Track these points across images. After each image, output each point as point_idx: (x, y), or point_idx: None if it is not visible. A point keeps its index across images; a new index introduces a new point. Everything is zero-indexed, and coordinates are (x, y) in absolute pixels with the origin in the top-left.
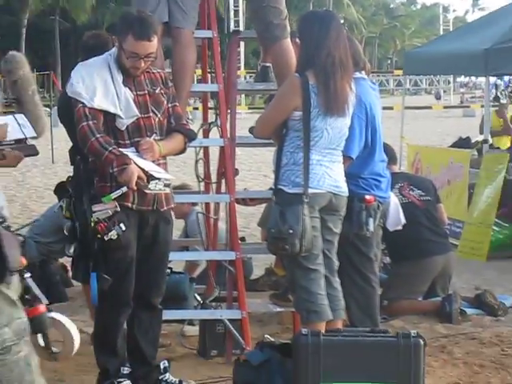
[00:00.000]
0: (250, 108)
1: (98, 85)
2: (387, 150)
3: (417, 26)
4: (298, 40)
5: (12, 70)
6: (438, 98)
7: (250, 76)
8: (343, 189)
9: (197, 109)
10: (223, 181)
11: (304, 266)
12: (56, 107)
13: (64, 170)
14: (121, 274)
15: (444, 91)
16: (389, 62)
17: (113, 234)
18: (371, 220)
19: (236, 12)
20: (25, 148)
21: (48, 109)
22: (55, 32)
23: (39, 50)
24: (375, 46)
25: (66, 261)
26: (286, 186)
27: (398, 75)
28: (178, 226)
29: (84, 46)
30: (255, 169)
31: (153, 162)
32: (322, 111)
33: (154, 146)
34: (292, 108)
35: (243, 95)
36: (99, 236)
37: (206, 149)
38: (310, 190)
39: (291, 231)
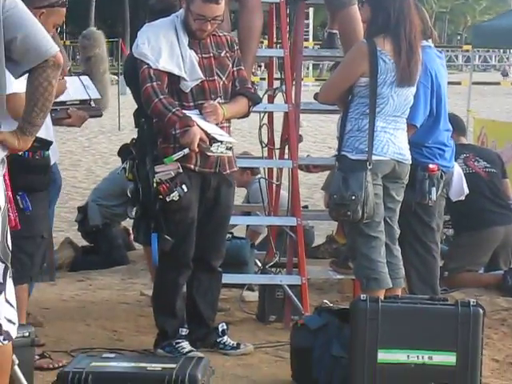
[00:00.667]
0: (317, 80)
1: (163, 46)
2: (457, 121)
3: (488, 1)
4: (365, 6)
5: (88, 46)
6: (504, 74)
7: (319, 47)
8: (407, 156)
9: (264, 79)
10: (286, 147)
11: (365, 233)
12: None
13: (130, 137)
14: (181, 236)
15: None
16: (459, 37)
17: (174, 196)
18: (434, 189)
19: None
20: (89, 109)
21: (116, 76)
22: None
23: (109, 19)
24: (445, 21)
25: (129, 224)
26: (349, 152)
27: (467, 50)
28: (241, 193)
29: (151, 9)
30: (320, 140)
31: (216, 124)
32: (391, 79)
33: (218, 108)
34: (359, 74)
35: (311, 67)
36: (161, 197)
37: (270, 115)
38: (374, 157)
39: (354, 197)
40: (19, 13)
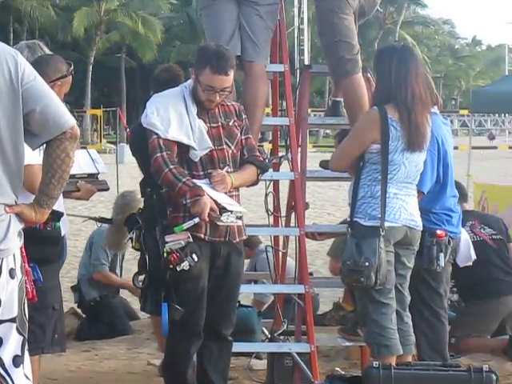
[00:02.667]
0: (314, 146)
1: (172, 116)
2: (458, 187)
3: (482, 66)
4: (369, 75)
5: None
6: (491, 138)
7: (315, 114)
8: (418, 223)
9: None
10: (292, 214)
11: (376, 299)
12: (121, 144)
13: None
14: (192, 305)
15: (510, 132)
16: (453, 102)
17: (185, 265)
18: (442, 255)
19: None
20: (97, 182)
21: (113, 145)
22: (121, 70)
23: (105, 87)
24: (440, 86)
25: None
26: (362, 219)
27: (463, 115)
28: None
29: (156, 79)
30: (319, 206)
31: (225, 193)
32: (402, 146)
33: (226, 177)
34: (370, 141)
35: (307, 133)
36: (171, 266)
37: (275, 182)
38: (387, 224)
39: (367, 263)
40: (38, 85)
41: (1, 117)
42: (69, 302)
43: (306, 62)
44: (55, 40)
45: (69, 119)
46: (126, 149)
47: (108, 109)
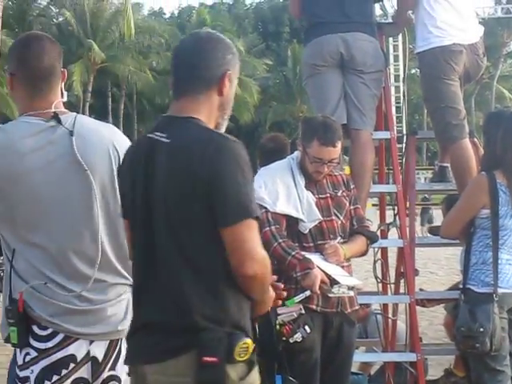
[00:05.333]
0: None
1: (280, 189)
2: None
3: None
4: (475, 139)
5: None
6: None
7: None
8: None
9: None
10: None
11: (491, 367)
12: None
13: None
14: (306, 377)
15: None
16: None
17: (298, 337)
18: None
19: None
20: None
21: None
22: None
23: None
24: None
25: None
26: (475, 286)
27: None
28: None
29: (262, 149)
30: (421, 265)
31: (338, 265)
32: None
33: (339, 249)
34: (480, 206)
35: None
36: (284, 338)
37: (383, 249)
38: (500, 290)
39: (482, 329)
40: None
41: None
42: None
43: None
44: (153, 103)
45: None
46: None
47: None
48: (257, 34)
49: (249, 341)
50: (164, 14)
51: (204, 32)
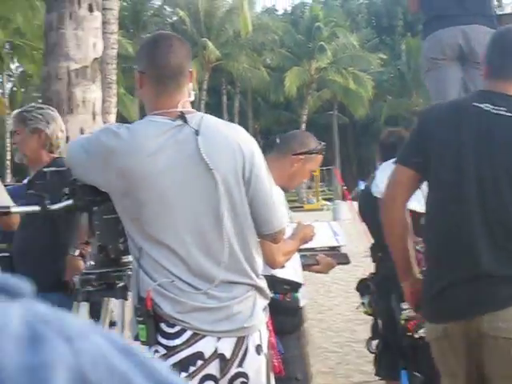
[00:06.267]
0: None
1: None
2: None
3: None
4: None
5: None
6: None
7: None
8: None
9: None
10: None
11: None
12: (336, 201)
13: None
14: (431, 372)
15: None
16: None
17: (423, 332)
18: None
19: None
20: (337, 256)
21: (329, 202)
22: (333, 127)
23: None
24: None
25: None
26: None
27: None
28: None
29: (383, 144)
30: None
31: None
32: None
33: None
34: None
35: None
36: (409, 334)
37: None
38: None
39: None
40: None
41: None
42: None
43: None
44: (267, 100)
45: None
46: (342, 205)
47: (323, 168)
48: (370, 28)
49: None
50: (276, 10)
51: None
